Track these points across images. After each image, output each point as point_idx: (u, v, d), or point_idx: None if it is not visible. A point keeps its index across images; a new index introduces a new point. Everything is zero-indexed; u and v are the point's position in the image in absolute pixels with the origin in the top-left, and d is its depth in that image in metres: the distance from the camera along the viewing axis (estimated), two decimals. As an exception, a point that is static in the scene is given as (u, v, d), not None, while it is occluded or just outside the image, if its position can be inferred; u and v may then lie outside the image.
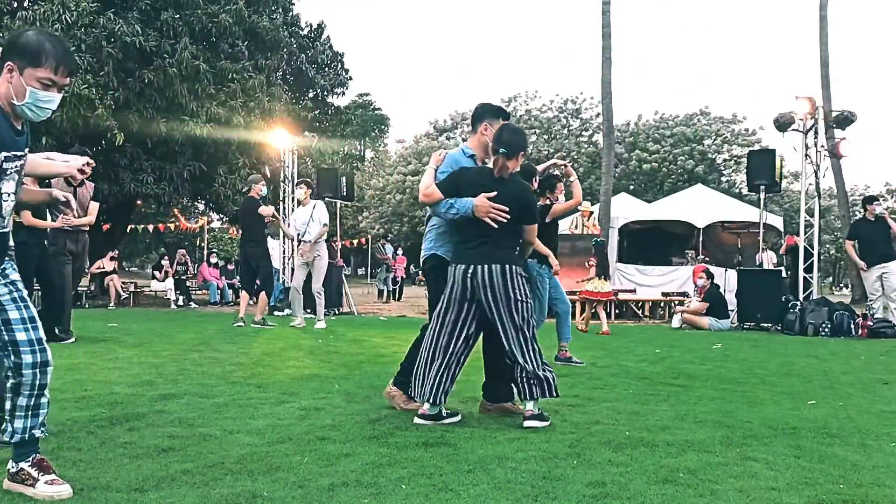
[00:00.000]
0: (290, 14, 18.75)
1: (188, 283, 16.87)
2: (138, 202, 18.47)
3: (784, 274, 12.19)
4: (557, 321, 6.42)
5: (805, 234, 11.84)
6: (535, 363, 3.59)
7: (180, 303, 15.45)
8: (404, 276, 23.14)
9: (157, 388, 4.46)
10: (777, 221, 17.18)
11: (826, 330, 9.73)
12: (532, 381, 3.57)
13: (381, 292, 18.98)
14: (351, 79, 20.29)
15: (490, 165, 3.74)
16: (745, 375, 5.58)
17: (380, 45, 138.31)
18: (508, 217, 3.55)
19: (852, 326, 9.79)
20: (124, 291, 15.58)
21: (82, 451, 2.94)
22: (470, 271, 3.54)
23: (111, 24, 13.67)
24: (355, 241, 34.06)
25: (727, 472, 2.81)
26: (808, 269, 11.66)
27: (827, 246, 41.92)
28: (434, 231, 3.89)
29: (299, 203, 9.54)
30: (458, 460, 2.91)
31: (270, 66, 16.94)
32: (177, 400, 4.06)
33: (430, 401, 3.57)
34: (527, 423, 3.54)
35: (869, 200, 10.72)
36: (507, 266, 3.57)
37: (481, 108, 3.95)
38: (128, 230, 21.33)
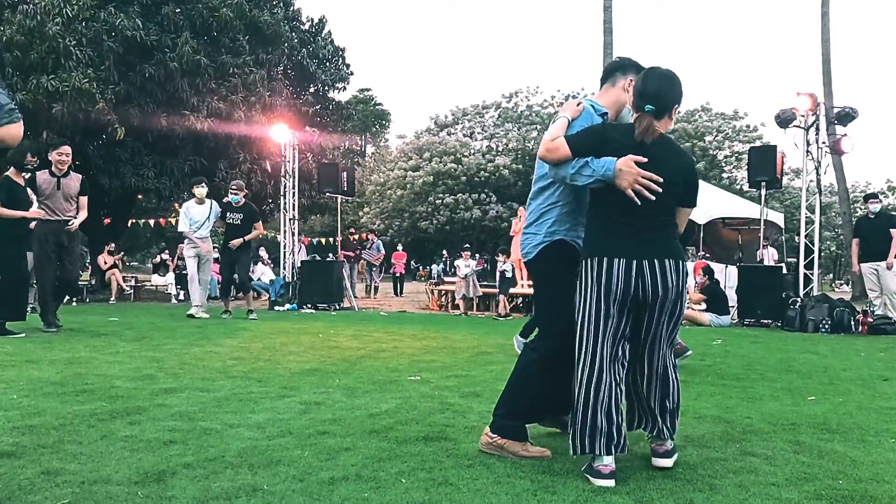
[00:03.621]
0: (291, 9, 18.78)
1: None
2: (139, 196, 18.48)
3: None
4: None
5: (806, 230, 11.83)
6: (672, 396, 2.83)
7: (181, 297, 15.42)
8: (403, 272, 23.12)
9: (157, 381, 4.47)
10: (778, 218, 17.16)
11: (826, 326, 9.72)
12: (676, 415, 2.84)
13: (367, 287, 19.27)
14: (352, 74, 20.42)
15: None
16: (744, 371, 5.58)
17: (381, 40, 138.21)
18: (660, 192, 2.61)
19: (852, 323, 9.79)
20: (126, 286, 15.59)
21: (83, 444, 2.95)
22: (635, 268, 2.62)
23: (112, 19, 13.66)
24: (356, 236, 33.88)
25: (726, 467, 2.82)
26: (809, 266, 11.66)
27: (828, 242, 41.92)
28: (558, 210, 2.94)
29: (199, 201, 9.94)
30: (458, 455, 2.91)
31: (271, 61, 16.94)
32: (177, 394, 4.07)
33: (607, 451, 2.61)
34: (661, 462, 2.78)
35: (866, 197, 10.90)
36: (680, 262, 2.69)
37: (626, 61, 3.08)
38: (129, 225, 21.34)
